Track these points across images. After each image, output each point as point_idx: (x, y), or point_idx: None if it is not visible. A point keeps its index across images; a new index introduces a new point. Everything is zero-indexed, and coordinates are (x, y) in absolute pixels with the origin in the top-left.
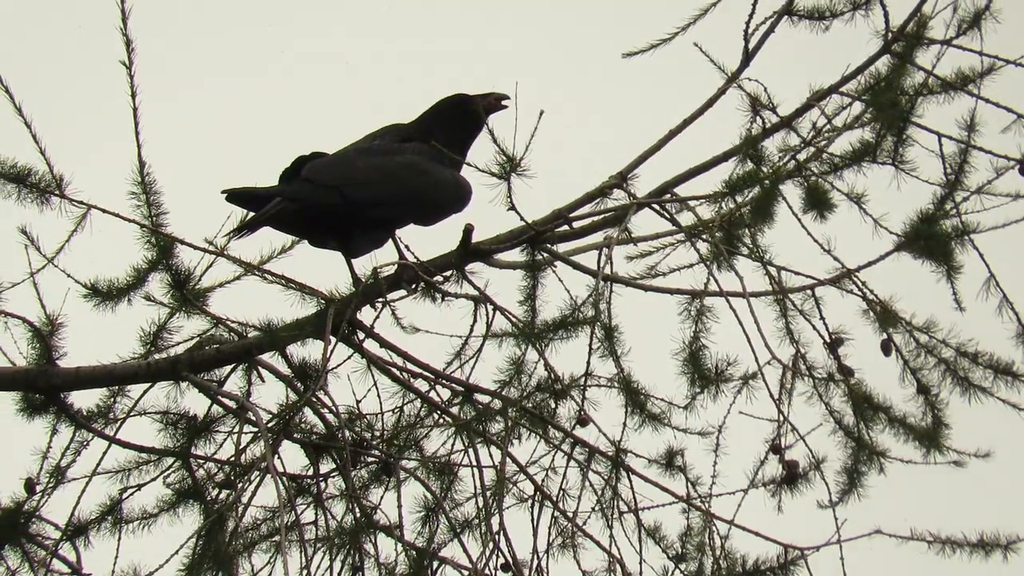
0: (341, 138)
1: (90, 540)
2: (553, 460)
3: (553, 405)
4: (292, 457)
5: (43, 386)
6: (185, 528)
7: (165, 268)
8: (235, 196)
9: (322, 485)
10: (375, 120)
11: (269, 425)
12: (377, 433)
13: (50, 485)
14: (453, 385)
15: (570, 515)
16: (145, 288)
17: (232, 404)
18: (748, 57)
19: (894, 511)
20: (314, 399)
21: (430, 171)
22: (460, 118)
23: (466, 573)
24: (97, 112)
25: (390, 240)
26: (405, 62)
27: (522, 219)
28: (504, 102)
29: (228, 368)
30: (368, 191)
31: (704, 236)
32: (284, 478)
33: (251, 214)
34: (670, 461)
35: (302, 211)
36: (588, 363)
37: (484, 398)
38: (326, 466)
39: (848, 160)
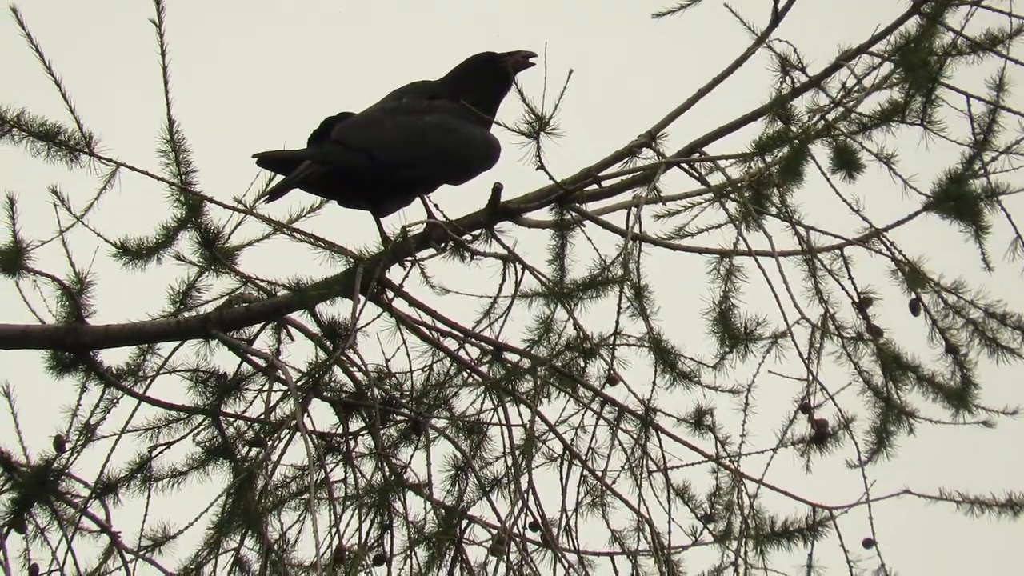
0: (368, 94)
1: (119, 498)
2: (582, 419)
3: (582, 364)
4: (321, 415)
5: (72, 344)
6: (215, 486)
7: (194, 226)
8: (266, 160)
9: (351, 443)
10: (400, 77)
11: (299, 383)
12: (406, 392)
13: (79, 443)
14: (482, 344)
15: (599, 474)
16: (174, 247)
17: (262, 362)
18: (777, 17)
19: (923, 471)
20: (343, 357)
21: (459, 129)
22: (488, 76)
23: (495, 532)
24: (127, 70)
25: (419, 199)
26: (433, 19)
27: (551, 178)
28: (532, 60)
29: (258, 326)
30: (397, 152)
31: (733, 196)
32: (313, 436)
33: (280, 177)
34: (699, 420)
35: (331, 174)
36: (617, 322)
37: (513, 357)
38: (355, 424)
39: (877, 120)
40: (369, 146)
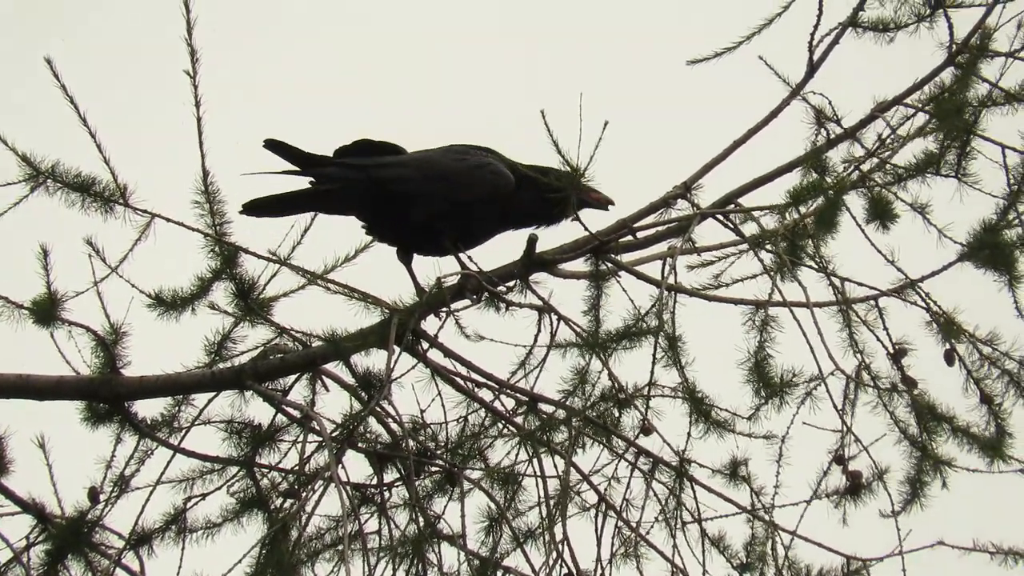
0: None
1: (154, 549)
2: (617, 469)
3: (617, 414)
4: (356, 466)
5: (107, 395)
6: (249, 537)
7: (229, 277)
8: (274, 148)
9: (386, 494)
10: (440, 123)
11: (333, 434)
12: (441, 442)
13: (114, 494)
14: (517, 395)
15: (633, 525)
16: (209, 297)
17: (296, 413)
18: (813, 68)
19: (957, 522)
20: (378, 408)
21: (468, 156)
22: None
23: None
24: (161, 121)
25: (452, 250)
26: (467, 69)
27: (586, 229)
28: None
29: (292, 377)
30: (391, 171)
31: (768, 246)
32: (348, 487)
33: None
34: (734, 471)
35: (330, 194)
36: (652, 372)
37: (548, 408)
38: (390, 475)
39: (912, 171)
40: (367, 165)
